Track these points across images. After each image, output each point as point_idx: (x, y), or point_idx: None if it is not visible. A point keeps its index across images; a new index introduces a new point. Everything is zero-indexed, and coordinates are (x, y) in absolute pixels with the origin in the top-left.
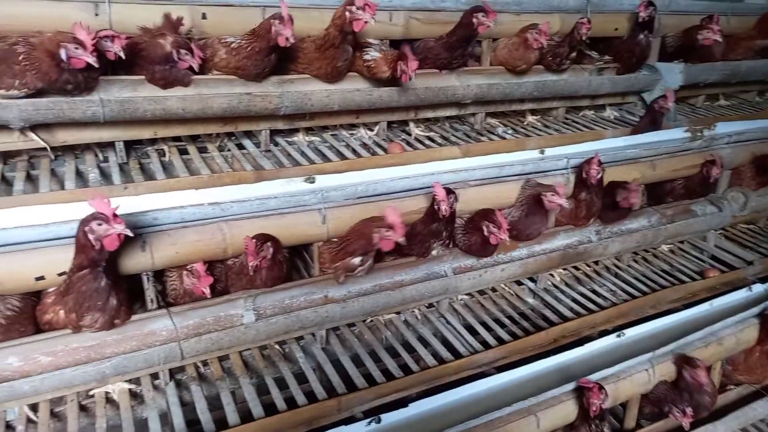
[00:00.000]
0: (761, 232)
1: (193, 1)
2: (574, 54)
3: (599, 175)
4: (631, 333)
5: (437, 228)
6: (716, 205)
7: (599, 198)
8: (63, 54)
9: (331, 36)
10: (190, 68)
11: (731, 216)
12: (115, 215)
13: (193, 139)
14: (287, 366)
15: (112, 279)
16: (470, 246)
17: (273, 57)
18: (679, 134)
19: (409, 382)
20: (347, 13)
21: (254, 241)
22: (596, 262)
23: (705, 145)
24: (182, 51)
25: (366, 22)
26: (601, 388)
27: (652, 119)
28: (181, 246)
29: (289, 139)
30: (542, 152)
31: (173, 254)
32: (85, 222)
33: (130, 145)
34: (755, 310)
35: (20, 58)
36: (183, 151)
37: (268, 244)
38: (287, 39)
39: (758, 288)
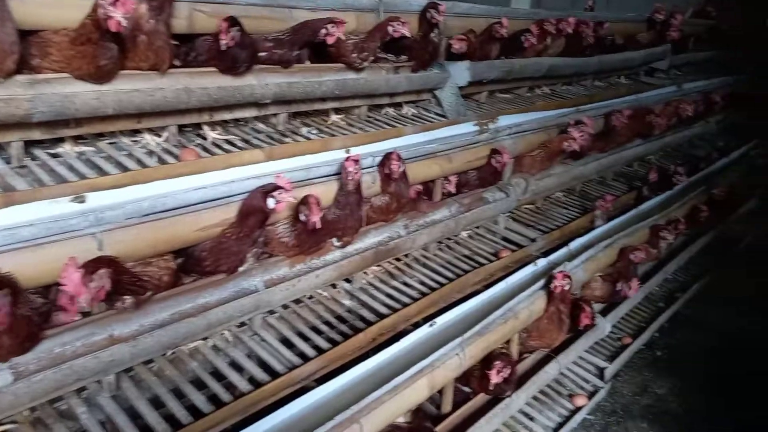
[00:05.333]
0: (539, 211)
1: None
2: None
3: (401, 169)
4: (442, 321)
5: (257, 236)
6: (503, 191)
7: (407, 188)
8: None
9: (87, 30)
10: None
11: (516, 200)
12: None
13: None
14: (65, 427)
15: None
16: (299, 237)
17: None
18: (470, 128)
19: (221, 416)
20: (101, 10)
21: None
22: (406, 255)
23: (491, 137)
24: None
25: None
26: None
27: None
28: None
29: (52, 151)
30: (348, 151)
31: None
32: None
33: None
34: (541, 282)
35: None
36: None
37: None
38: None
39: (542, 262)
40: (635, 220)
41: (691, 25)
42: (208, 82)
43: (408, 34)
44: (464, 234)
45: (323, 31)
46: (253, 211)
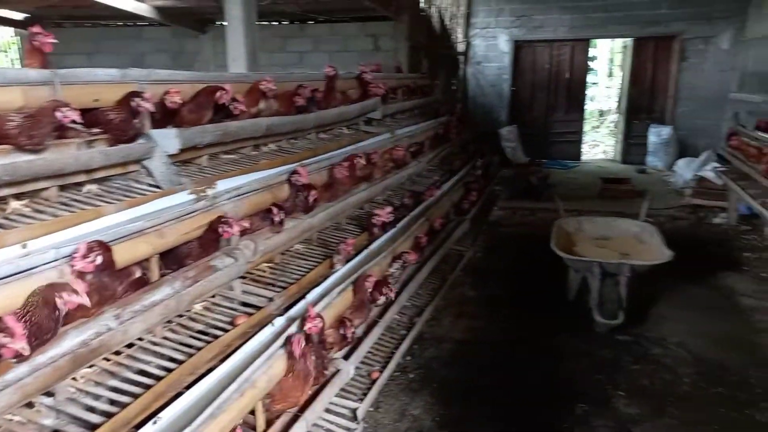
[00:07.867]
0: (278, 267)
1: None
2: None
3: (94, 262)
4: (168, 414)
5: None
6: (232, 256)
7: (112, 277)
8: None
9: None
10: None
11: (246, 263)
12: None
13: None
14: None
15: None
16: None
17: None
18: (184, 197)
19: None
20: None
21: None
22: (130, 345)
23: (209, 204)
24: None
25: None
26: None
27: None
28: None
29: None
30: (24, 246)
31: None
32: None
33: None
34: (279, 342)
35: None
36: None
37: None
38: None
39: (279, 321)
40: (367, 260)
41: (396, 79)
42: None
43: (74, 123)
44: (198, 307)
45: None
46: None
